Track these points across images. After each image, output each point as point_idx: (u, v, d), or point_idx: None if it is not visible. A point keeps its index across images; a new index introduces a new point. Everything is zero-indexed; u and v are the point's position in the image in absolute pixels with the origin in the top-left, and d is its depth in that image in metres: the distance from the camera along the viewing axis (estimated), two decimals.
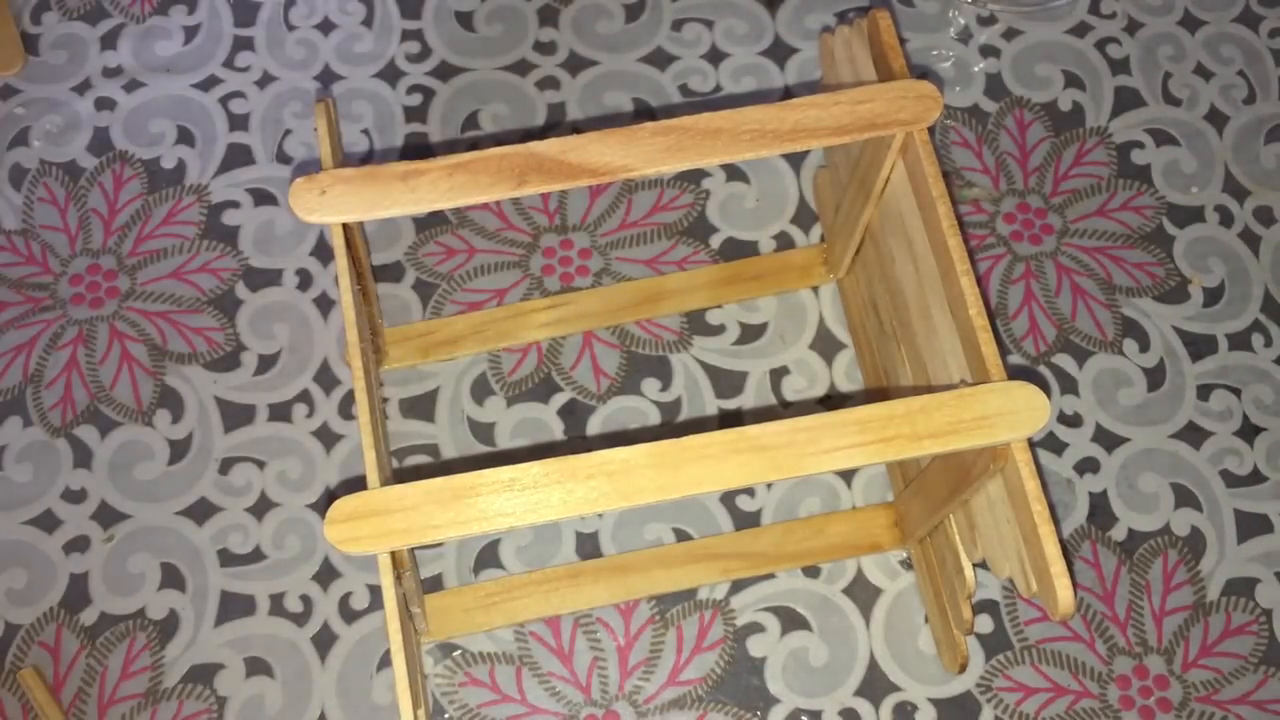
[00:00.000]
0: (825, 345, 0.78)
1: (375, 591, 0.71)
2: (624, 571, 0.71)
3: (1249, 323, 0.79)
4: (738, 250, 0.81)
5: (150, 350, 0.77)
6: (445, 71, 0.85)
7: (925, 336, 0.63)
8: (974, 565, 0.62)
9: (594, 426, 0.75)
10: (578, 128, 0.84)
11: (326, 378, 0.76)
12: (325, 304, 0.78)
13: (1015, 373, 0.77)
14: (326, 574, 0.71)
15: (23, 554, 0.72)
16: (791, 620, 0.71)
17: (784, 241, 0.81)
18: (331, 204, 0.57)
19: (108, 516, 0.73)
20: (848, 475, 0.75)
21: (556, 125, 0.84)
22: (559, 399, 0.76)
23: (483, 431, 0.75)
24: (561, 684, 0.69)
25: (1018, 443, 0.53)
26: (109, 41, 0.86)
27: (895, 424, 0.52)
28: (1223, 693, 0.70)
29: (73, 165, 0.82)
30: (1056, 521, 0.73)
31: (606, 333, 0.78)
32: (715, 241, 0.81)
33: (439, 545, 0.72)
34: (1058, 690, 0.70)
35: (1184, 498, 0.74)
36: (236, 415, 0.75)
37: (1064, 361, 0.78)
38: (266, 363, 0.77)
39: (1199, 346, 0.78)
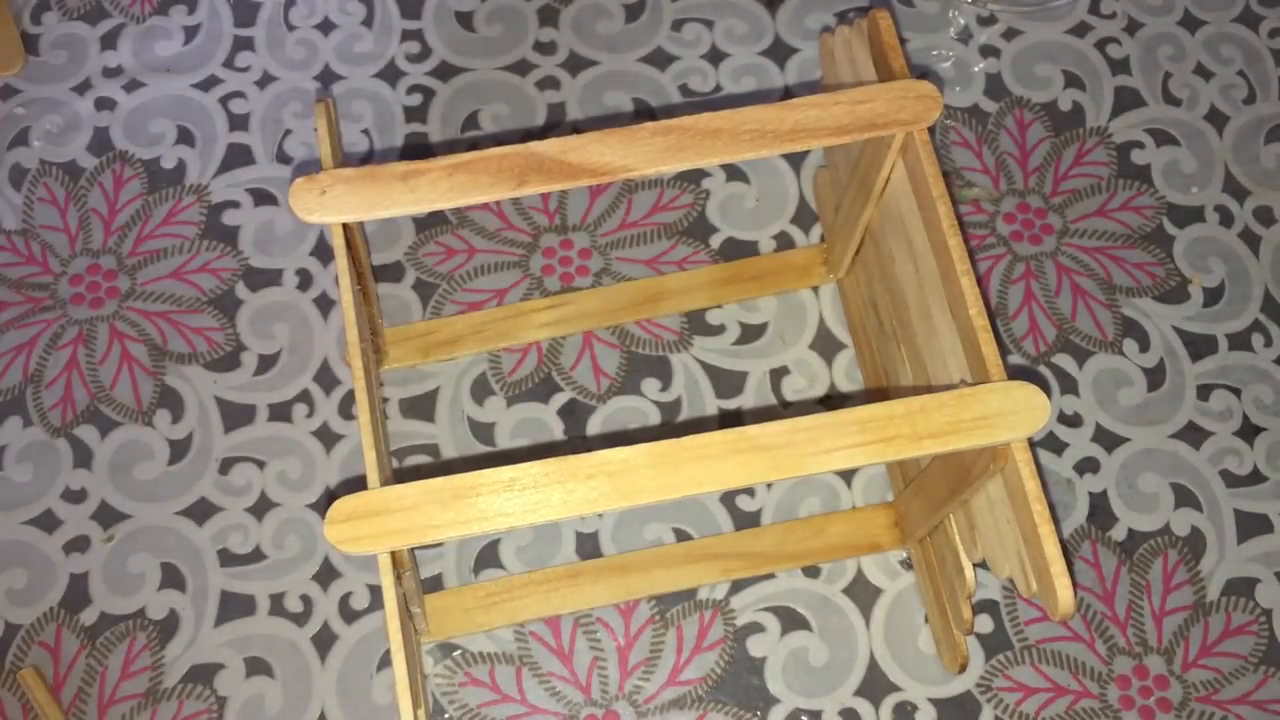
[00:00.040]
0: (825, 345, 0.78)
1: (375, 591, 0.71)
2: (624, 571, 0.71)
3: (1249, 323, 0.79)
4: (738, 250, 0.81)
5: (150, 350, 0.77)
6: (445, 71, 0.85)
7: (925, 336, 0.63)
8: (974, 565, 0.62)
9: (594, 426, 0.75)
10: (578, 128, 0.84)
11: (326, 378, 0.76)
12: (325, 304, 0.78)
13: (1015, 373, 0.77)
14: (326, 574, 0.71)
15: (23, 554, 0.72)
16: (791, 620, 0.71)
17: (784, 241, 0.81)
18: (331, 204, 0.57)
19: (108, 516, 0.73)
20: (848, 475, 0.75)
21: (556, 125, 0.84)
22: (559, 399, 0.76)
23: (483, 431, 0.75)
24: (561, 684, 0.69)
25: (1018, 443, 0.53)
26: (109, 41, 0.86)
27: (895, 424, 0.52)
28: (1223, 693, 0.70)
29: (73, 165, 0.82)
30: (1056, 521, 0.73)
31: (606, 333, 0.78)
32: (715, 241, 0.81)
33: (439, 545, 0.72)
34: (1058, 690, 0.70)
35: (1184, 498, 0.74)
36: (236, 415, 0.75)
37: (1064, 361, 0.78)
38: (266, 363, 0.77)
39: (1199, 346, 0.78)
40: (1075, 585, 0.69)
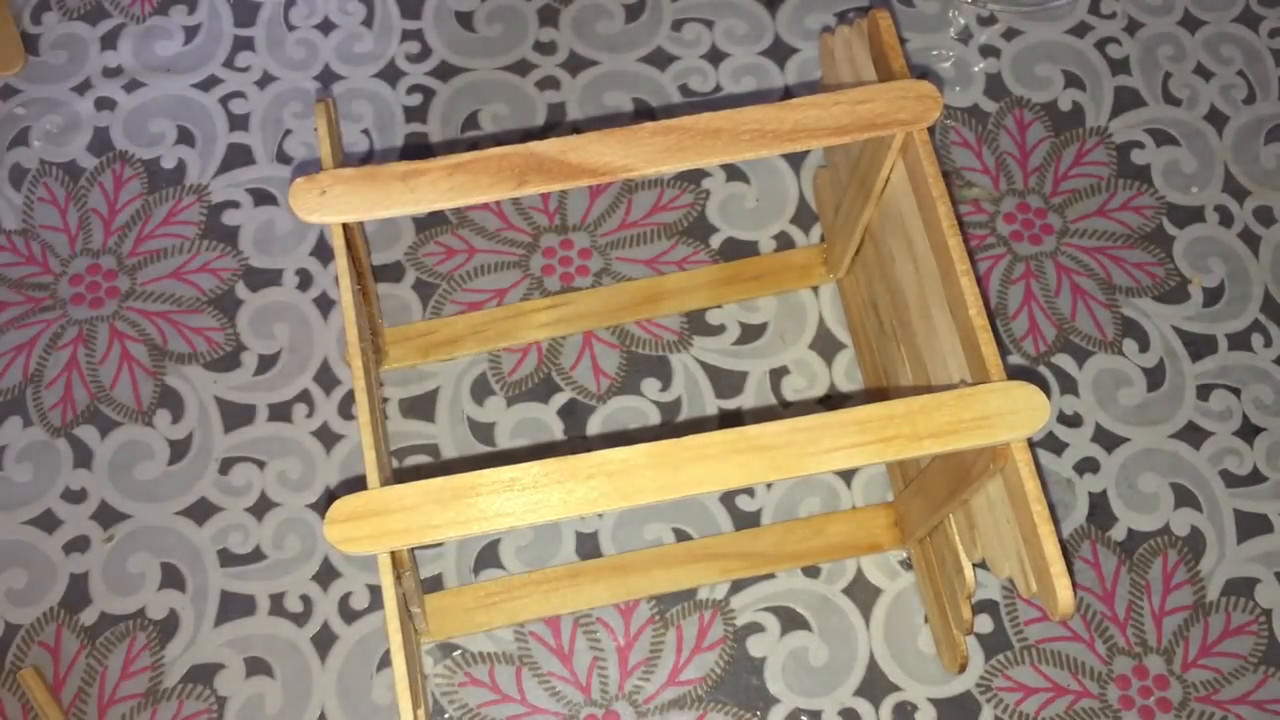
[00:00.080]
0: (825, 345, 0.78)
1: (375, 591, 0.71)
2: (624, 571, 0.71)
3: (1249, 323, 0.79)
4: (738, 250, 0.81)
5: (150, 350, 0.77)
6: (445, 71, 0.85)
7: (925, 336, 0.63)
8: (974, 565, 0.62)
9: (594, 426, 0.75)
10: (578, 128, 0.84)
11: (326, 378, 0.76)
12: (325, 304, 0.78)
13: (1015, 373, 0.77)
14: (326, 574, 0.71)
15: (23, 554, 0.72)
16: (791, 620, 0.71)
17: (784, 241, 0.81)
18: (331, 204, 0.57)
19: (108, 516, 0.73)
20: (848, 475, 0.75)
21: (556, 125, 0.84)
22: (559, 399, 0.76)
23: (483, 431, 0.75)
24: (561, 684, 0.69)
25: (1018, 443, 0.53)
26: (109, 41, 0.86)
27: (895, 424, 0.52)
28: (1222, 693, 0.70)
29: (73, 165, 0.82)
30: (1056, 521, 0.73)
31: (606, 333, 0.78)
32: (715, 241, 0.81)
33: (439, 545, 0.72)
34: (1057, 690, 0.70)
35: (1184, 498, 0.74)
36: (236, 415, 0.75)
37: (1064, 361, 0.78)
38: (266, 363, 0.77)
39: (1199, 346, 0.78)
40: (1075, 585, 0.69)
